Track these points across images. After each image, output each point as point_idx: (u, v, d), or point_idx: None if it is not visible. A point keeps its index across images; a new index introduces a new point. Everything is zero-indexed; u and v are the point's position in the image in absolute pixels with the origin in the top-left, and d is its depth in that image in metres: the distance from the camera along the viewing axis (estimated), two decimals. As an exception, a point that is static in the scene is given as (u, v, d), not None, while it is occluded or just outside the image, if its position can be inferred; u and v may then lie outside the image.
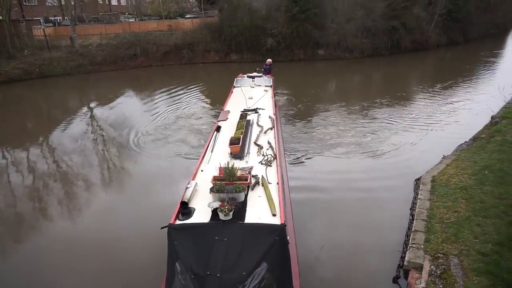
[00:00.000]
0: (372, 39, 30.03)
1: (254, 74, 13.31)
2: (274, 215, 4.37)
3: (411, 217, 7.09)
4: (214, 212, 4.34)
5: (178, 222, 4.35)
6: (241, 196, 4.59)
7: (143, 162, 10.86)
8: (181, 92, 20.00)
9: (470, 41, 37.81)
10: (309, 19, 28.21)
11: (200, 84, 21.99)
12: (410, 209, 7.56)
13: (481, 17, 39.91)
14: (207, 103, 17.20)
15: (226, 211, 4.17)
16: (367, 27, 29.70)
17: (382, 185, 8.86)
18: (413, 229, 6.36)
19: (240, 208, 4.45)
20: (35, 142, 13.00)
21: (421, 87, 19.76)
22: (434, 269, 5.34)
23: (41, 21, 36.11)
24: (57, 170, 10.73)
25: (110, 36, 30.59)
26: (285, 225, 4.13)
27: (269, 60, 14.89)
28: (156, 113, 15.88)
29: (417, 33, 32.36)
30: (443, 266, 5.35)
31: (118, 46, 28.74)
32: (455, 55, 33.04)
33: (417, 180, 8.51)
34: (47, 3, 38.85)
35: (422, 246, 5.85)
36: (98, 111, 17.11)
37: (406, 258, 5.69)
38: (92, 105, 18.79)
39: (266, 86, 12.01)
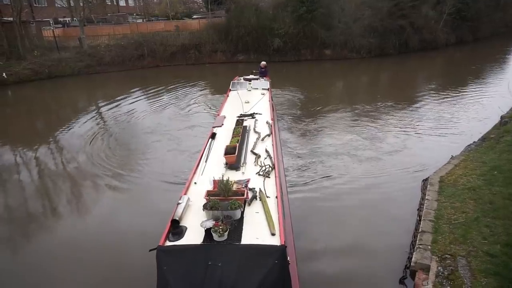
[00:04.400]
0: (380, 39, 29.81)
1: (251, 76, 12.84)
2: (273, 234, 4.06)
3: (418, 218, 7.04)
4: (208, 232, 3.98)
5: (168, 243, 4.00)
6: (237, 213, 4.23)
7: (150, 162, 10.94)
8: (187, 92, 20.20)
9: (479, 40, 37.36)
10: (316, 19, 28.13)
11: (207, 84, 22.14)
12: (418, 209, 7.50)
13: (491, 16, 39.37)
14: (212, 104, 17.22)
15: (221, 232, 3.83)
16: (374, 27, 29.51)
17: (389, 186, 8.81)
18: (420, 230, 6.31)
19: (236, 227, 4.10)
20: (43, 141, 13.12)
21: (429, 87, 19.58)
22: (442, 270, 5.30)
23: (51, 22, 36.56)
24: (62, 170, 10.85)
25: (118, 36, 30.86)
26: (286, 247, 3.81)
27: (263, 62, 14.35)
28: (161, 112, 16.14)
29: (425, 32, 32.05)
30: (450, 267, 5.30)
31: (125, 46, 28.99)
32: (464, 54, 32.66)
33: (425, 180, 8.43)
34: (56, 5, 39.30)
35: (429, 247, 5.80)
36: (105, 112, 17.23)
37: (413, 259, 5.65)
38: (99, 105, 18.93)
39: (263, 89, 11.59)
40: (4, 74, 23.80)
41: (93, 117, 16.30)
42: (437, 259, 5.52)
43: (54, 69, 25.86)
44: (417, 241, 6.03)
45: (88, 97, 21.86)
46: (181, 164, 10.31)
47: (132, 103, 18.38)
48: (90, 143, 12.69)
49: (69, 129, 14.45)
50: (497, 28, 41.88)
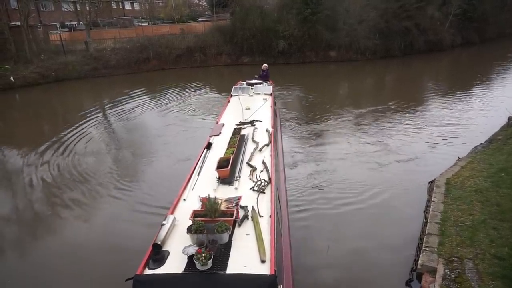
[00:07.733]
0: (385, 40, 29.70)
1: (254, 81, 12.46)
2: (263, 261, 3.58)
3: (424, 220, 6.99)
4: (190, 259, 3.53)
5: (147, 271, 3.55)
6: (224, 237, 3.74)
7: (152, 168, 10.98)
8: (191, 95, 20.34)
9: (486, 41, 37.09)
10: (320, 21, 28.12)
11: (212, 87, 22.27)
12: (424, 212, 7.45)
13: (497, 17, 39.10)
14: (215, 108, 17.25)
15: (203, 260, 3.37)
16: (379, 28, 29.43)
17: (395, 188, 8.77)
18: (426, 232, 6.27)
19: (223, 253, 3.64)
20: (49, 144, 13.15)
21: (435, 88, 19.49)
22: (448, 272, 5.25)
23: (57, 26, 36.92)
24: (66, 171, 10.88)
25: (123, 40, 31.09)
26: (276, 277, 3.38)
27: (265, 65, 14.00)
28: (165, 116, 16.29)
29: (431, 33, 31.88)
30: (457, 270, 5.26)
31: (131, 49, 29.18)
32: (470, 56, 32.45)
33: (431, 182, 8.38)
34: (63, 9, 39.77)
35: (435, 250, 5.76)
36: (110, 115, 17.36)
37: (419, 261, 5.62)
38: (104, 108, 19.04)
39: (265, 94, 10.98)
40: (11, 78, 24.05)
41: (98, 120, 16.34)
42: (444, 261, 5.48)
43: (61, 72, 26.11)
44: (423, 244, 5.99)
45: (93, 100, 21.92)
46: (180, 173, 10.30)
47: (136, 105, 18.46)
48: (93, 145, 12.79)
49: (74, 132, 14.50)
50: (504, 29, 41.56)
